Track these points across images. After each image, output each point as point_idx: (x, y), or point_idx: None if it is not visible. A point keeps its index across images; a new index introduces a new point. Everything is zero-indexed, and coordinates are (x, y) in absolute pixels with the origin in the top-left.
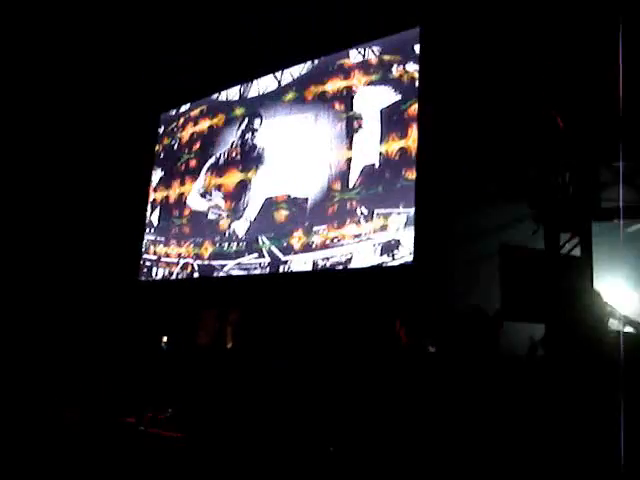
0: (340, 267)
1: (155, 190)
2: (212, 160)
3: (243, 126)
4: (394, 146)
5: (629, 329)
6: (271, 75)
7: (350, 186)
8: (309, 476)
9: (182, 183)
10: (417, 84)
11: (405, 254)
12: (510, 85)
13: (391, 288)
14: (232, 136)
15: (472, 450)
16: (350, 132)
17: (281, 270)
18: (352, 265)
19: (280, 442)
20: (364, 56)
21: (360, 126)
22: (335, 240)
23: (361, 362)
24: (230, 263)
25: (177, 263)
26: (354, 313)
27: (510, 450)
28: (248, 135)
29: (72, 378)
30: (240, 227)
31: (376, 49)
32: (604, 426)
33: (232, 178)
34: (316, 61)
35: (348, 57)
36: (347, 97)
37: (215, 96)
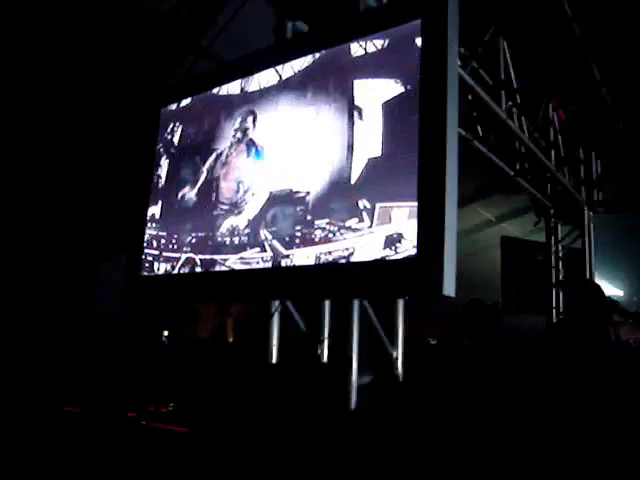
0: (343, 261)
1: (156, 185)
2: (213, 155)
3: (244, 120)
4: (396, 139)
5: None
6: (272, 69)
7: (352, 180)
8: (312, 471)
9: (183, 178)
10: (419, 77)
11: (408, 247)
12: (510, 78)
13: (394, 281)
14: (233, 130)
15: (474, 443)
16: (352, 126)
17: (283, 264)
18: (355, 259)
19: (281, 436)
20: (365, 49)
21: (362, 120)
22: (337, 234)
23: (363, 356)
24: (232, 257)
25: (179, 258)
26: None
27: (512, 442)
28: (249, 129)
29: (74, 373)
30: (242, 221)
31: (377, 42)
32: (606, 421)
33: (233, 172)
34: (317, 55)
35: (349, 50)
36: (349, 90)
37: (216, 90)
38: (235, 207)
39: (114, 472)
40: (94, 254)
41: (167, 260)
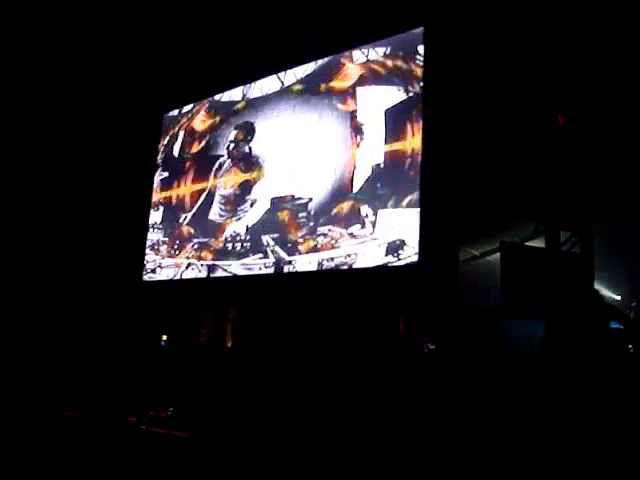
0: (345, 267)
1: (158, 190)
2: (214, 161)
3: (246, 127)
4: (398, 146)
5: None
6: (274, 75)
7: (354, 186)
8: (310, 474)
9: (185, 183)
10: (421, 84)
11: (410, 254)
12: (513, 84)
13: (396, 288)
14: (235, 137)
15: (473, 448)
16: (354, 133)
17: (286, 270)
18: (357, 265)
19: (281, 440)
20: (368, 57)
21: (364, 126)
22: (340, 240)
23: (364, 361)
24: (234, 263)
25: (181, 263)
26: (359, 313)
27: (510, 447)
28: (251, 136)
29: (75, 377)
30: (244, 227)
31: (380, 50)
32: (605, 424)
33: (236, 179)
34: (319, 62)
35: (352, 58)
36: (351, 98)
37: (218, 97)
38: (237, 213)
39: (114, 476)
40: (97, 257)
41: (169, 265)
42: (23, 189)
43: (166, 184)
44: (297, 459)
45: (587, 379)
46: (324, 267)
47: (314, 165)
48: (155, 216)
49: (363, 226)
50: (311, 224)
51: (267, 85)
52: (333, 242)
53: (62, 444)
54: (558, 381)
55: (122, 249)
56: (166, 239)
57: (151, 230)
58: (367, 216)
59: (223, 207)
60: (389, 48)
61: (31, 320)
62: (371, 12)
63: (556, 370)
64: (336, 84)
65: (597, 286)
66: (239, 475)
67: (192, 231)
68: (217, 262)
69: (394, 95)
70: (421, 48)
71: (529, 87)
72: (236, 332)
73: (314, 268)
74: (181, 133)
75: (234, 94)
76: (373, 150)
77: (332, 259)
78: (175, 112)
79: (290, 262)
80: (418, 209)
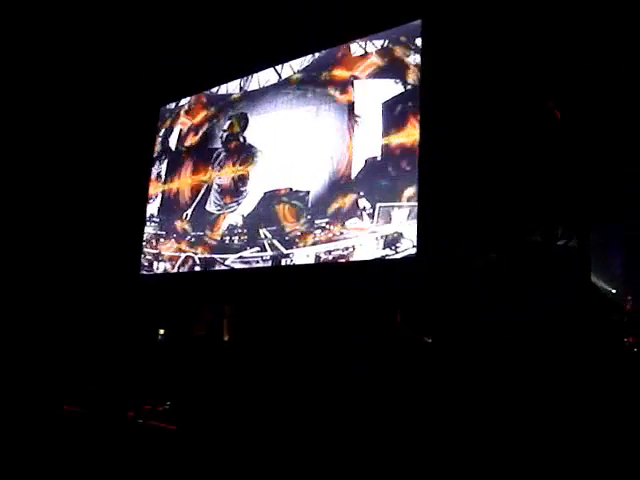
0: (343, 260)
1: (155, 184)
2: (211, 154)
3: (244, 119)
4: (396, 139)
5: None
6: (272, 68)
7: (352, 179)
8: (309, 468)
9: (182, 176)
10: (419, 77)
11: (408, 247)
12: (511, 77)
13: (394, 281)
14: (229, 128)
15: (470, 444)
16: (352, 125)
17: (283, 263)
18: (355, 258)
19: (280, 433)
20: (365, 49)
21: (362, 119)
22: (338, 233)
23: (361, 355)
24: (231, 257)
25: (178, 257)
26: (356, 306)
27: (508, 444)
28: (249, 128)
29: (72, 372)
30: (242, 220)
31: (377, 42)
32: (604, 421)
33: (233, 171)
34: (317, 54)
35: (349, 50)
36: (348, 90)
37: (215, 89)
38: (234, 206)
39: (110, 469)
40: (93, 251)
41: (166, 259)
42: (17, 182)
43: (163, 177)
44: (295, 452)
45: (585, 372)
46: (322, 260)
47: (312, 158)
48: (152, 209)
49: (361, 219)
50: (309, 217)
51: (264, 78)
52: (331, 235)
53: (59, 438)
54: (557, 375)
55: (118, 243)
56: (163, 232)
57: (148, 223)
58: (365, 209)
59: (220, 200)
60: (387, 41)
61: (26, 315)
62: (369, 4)
63: (555, 364)
64: (333, 77)
65: (593, 279)
66: (237, 468)
67: (189, 224)
68: (214, 255)
69: (392, 88)
70: (419, 41)
71: (527, 80)
72: (233, 326)
73: (312, 261)
74: (178, 126)
75: (231, 87)
76: (371, 143)
77: (330, 252)
78: (172, 105)
79: (288, 255)
80: (416, 202)
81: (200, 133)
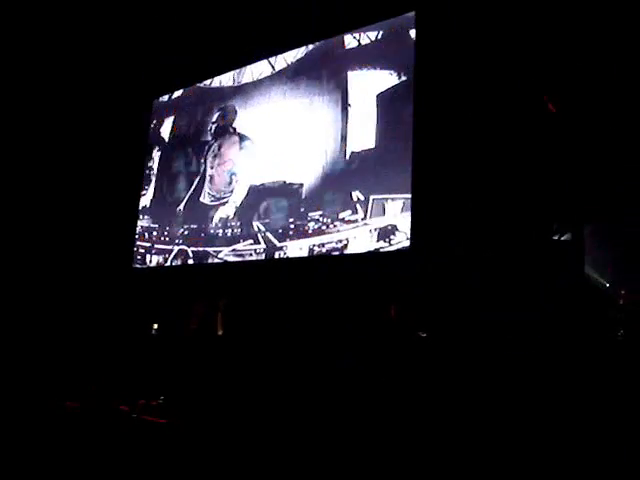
0: (336, 253)
1: (149, 176)
2: (205, 146)
3: (237, 112)
4: (390, 131)
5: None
6: (265, 60)
7: (346, 171)
8: (303, 462)
9: (175, 169)
10: (413, 69)
11: (402, 239)
12: (507, 71)
13: (388, 273)
14: (226, 122)
15: (464, 438)
16: (345, 117)
17: (276, 256)
18: (348, 251)
19: (274, 427)
20: (359, 41)
21: (355, 111)
22: (331, 226)
23: (355, 348)
24: (225, 249)
25: (171, 250)
26: (350, 299)
27: (504, 439)
28: (242, 120)
29: (65, 366)
30: (235, 213)
31: (371, 34)
32: (605, 418)
33: (227, 164)
34: (311, 46)
35: (343, 42)
36: (342, 82)
37: (209, 82)
38: (227, 199)
39: (104, 463)
40: (86, 245)
41: (159, 252)
42: (9, 175)
43: (156, 170)
44: (289, 446)
45: (579, 365)
46: (315, 253)
47: (305, 150)
48: (144, 202)
49: (355, 211)
50: (302, 210)
51: (258, 70)
52: (324, 228)
53: (53, 433)
54: (554, 370)
55: (111, 236)
56: (155, 225)
57: (140, 216)
58: (358, 201)
59: (213, 192)
60: (381, 32)
61: (18, 309)
62: None
63: (551, 359)
64: (327, 69)
65: (587, 273)
66: (231, 462)
67: (182, 217)
68: (207, 248)
69: (386, 80)
70: (412, 32)
71: (522, 73)
72: (227, 319)
73: (305, 254)
74: (171, 119)
75: (225, 79)
76: (365, 135)
77: (323, 245)
78: (165, 98)
79: (281, 248)
80: (410, 194)
81: (193, 126)
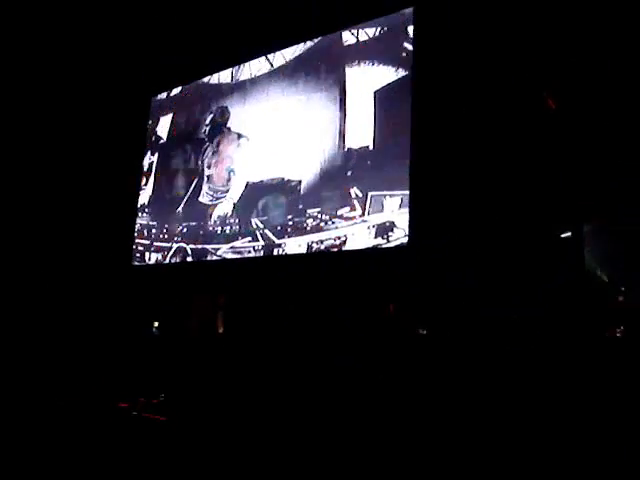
0: (335, 249)
1: (147, 174)
2: (203, 143)
3: (236, 109)
4: (388, 128)
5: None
6: (263, 57)
7: (344, 168)
8: (302, 460)
9: (174, 167)
10: (411, 65)
11: (400, 236)
12: (505, 66)
13: (386, 270)
14: (224, 119)
15: (464, 436)
16: (343, 114)
17: (275, 253)
18: (347, 247)
19: (273, 424)
20: (357, 38)
21: (354, 108)
22: (329, 223)
23: (354, 345)
24: (223, 247)
25: (170, 247)
26: (349, 295)
27: (503, 436)
28: (241, 118)
29: (65, 364)
30: (233, 210)
31: (369, 31)
32: (602, 412)
33: (225, 161)
34: (309, 43)
35: (341, 39)
36: (340, 79)
37: (207, 79)
38: (226, 196)
39: (105, 461)
40: (85, 243)
41: (158, 250)
42: (7, 174)
43: (155, 167)
44: (289, 443)
45: (577, 362)
46: (314, 250)
47: (303, 147)
48: (143, 199)
49: (353, 208)
50: (300, 206)
51: (256, 67)
52: (323, 224)
53: (56, 432)
54: (555, 368)
55: (110, 233)
56: (154, 223)
57: (139, 214)
58: (357, 198)
59: (211, 190)
60: (379, 29)
61: (17, 308)
62: None
63: (552, 356)
64: (325, 65)
65: (587, 269)
66: (231, 460)
67: (181, 215)
68: (206, 246)
69: (384, 76)
70: (411, 28)
71: (521, 68)
72: (226, 316)
73: (304, 251)
74: (170, 116)
75: (223, 76)
76: (363, 132)
77: (322, 241)
78: (163, 95)
79: (280, 245)
80: (408, 191)
81: (191, 123)
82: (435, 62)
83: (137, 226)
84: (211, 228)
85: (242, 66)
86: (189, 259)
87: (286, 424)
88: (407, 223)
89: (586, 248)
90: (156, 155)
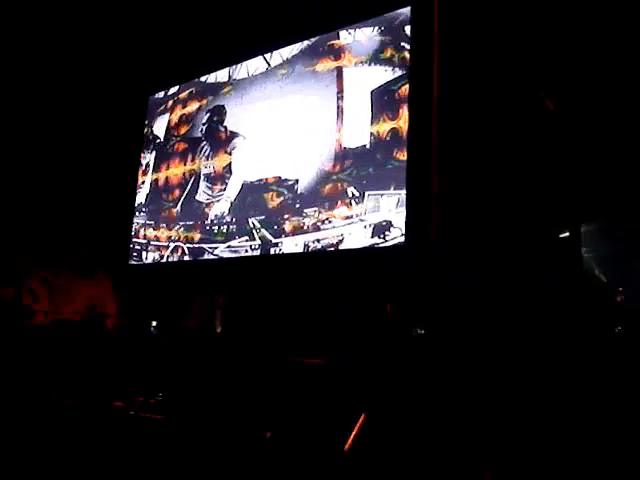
0: (331, 249)
1: (144, 173)
2: (200, 142)
3: (232, 108)
4: (385, 127)
5: None
6: (260, 56)
7: (341, 167)
8: (298, 461)
9: (171, 166)
10: (408, 64)
11: (397, 235)
12: (503, 66)
13: (383, 269)
14: (221, 118)
15: (464, 435)
16: (340, 113)
17: (272, 252)
18: (343, 246)
19: (271, 422)
20: (354, 37)
21: (350, 107)
22: (326, 222)
23: (351, 344)
24: (220, 246)
25: (167, 246)
26: (345, 294)
27: (502, 435)
28: (237, 117)
29: (67, 365)
30: (230, 210)
31: (367, 30)
32: (601, 412)
33: (221, 160)
34: (306, 42)
35: (338, 38)
36: (337, 78)
37: (204, 78)
38: (223, 195)
39: (102, 462)
40: (82, 241)
41: (155, 249)
42: (3, 171)
43: (152, 166)
44: (287, 444)
45: (576, 361)
46: (311, 249)
47: (300, 146)
48: (140, 198)
49: (350, 207)
50: (297, 206)
51: (253, 66)
52: (319, 223)
53: (52, 431)
54: (556, 368)
55: (107, 232)
56: (152, 222)
57: (137, 213)
58: (353, 197)
59: (208, 189)
60: (376, 28)
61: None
62: None
63: (553, 356)
64: (322, 65)
65: (585, 269)
66: (229, 459)
67: (178, 214)
68: (203, 245)
69: (381, 76)
70: (408, 28)
71: (519, 68)
72: (225, 317)
73: (300, 250)
74: (167, 115)
75: (220, 75)
76: (359, 131)
77: (319, 241)
78: (161, 94)
79: (276, 244)
80: (404, 190)
81: (189, 122)
82: (432, 62)
83: (134, 225)
84: (208, 227)
85: (239, 65)
86: (186, 258)
87: (284, 423)
88: (404, 222)
89: (585, 248)
90: (153, 154)
